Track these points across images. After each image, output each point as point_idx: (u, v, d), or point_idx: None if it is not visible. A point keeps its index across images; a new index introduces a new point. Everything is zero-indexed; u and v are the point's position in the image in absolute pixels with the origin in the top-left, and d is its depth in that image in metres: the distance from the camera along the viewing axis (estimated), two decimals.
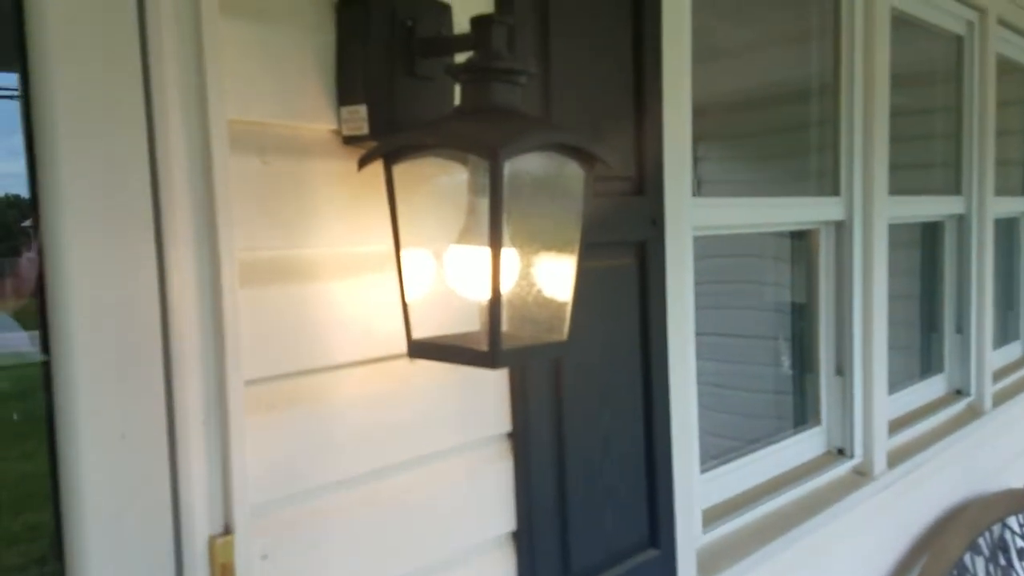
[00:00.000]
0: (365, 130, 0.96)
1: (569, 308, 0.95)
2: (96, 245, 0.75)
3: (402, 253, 0.95)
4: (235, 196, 0.88)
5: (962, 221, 2.85)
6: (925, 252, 2.96)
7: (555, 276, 0.94)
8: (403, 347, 1.01)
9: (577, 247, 0.94)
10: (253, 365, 0.90)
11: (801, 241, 2.28)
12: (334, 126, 0.98)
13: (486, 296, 0.92)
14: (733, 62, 2.25)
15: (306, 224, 0.96)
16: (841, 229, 2.15)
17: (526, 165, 0.86)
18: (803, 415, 2.29)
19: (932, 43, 2.77)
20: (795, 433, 2.16)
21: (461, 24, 1.04)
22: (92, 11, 0.77)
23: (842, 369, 2.19)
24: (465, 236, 0.94)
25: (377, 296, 1.03)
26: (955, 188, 2.83)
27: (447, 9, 1.03)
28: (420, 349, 0.96)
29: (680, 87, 1.48)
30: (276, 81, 0.92)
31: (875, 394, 2.21)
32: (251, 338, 0.89)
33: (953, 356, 2.94)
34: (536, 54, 1.19)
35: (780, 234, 2.42)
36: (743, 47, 2.36)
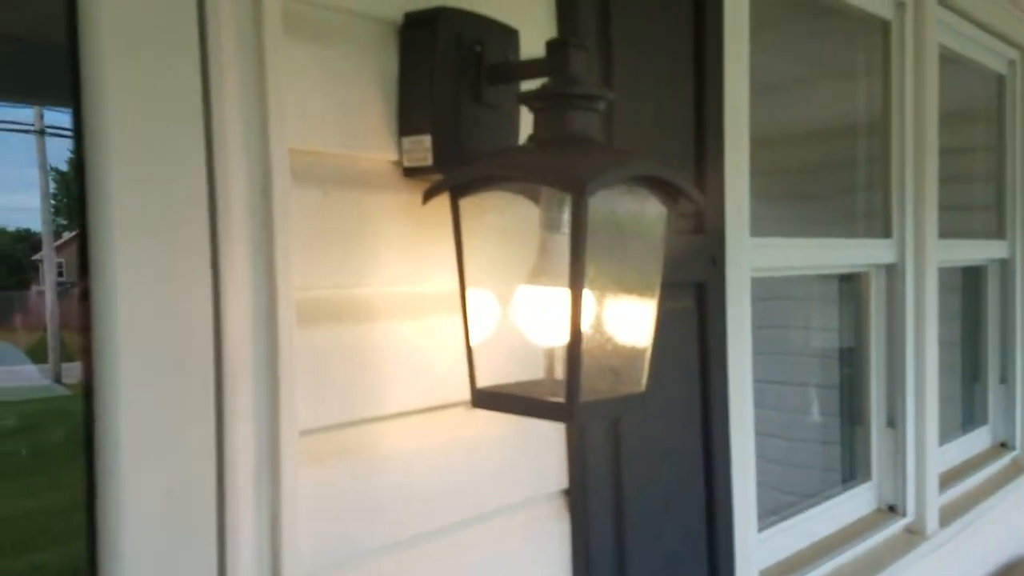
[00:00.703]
0: (429, 161, 0.89)
1: (648, 357, 0.87)
2: (149, 283, 0.68)
3: (468, 293, 0.87)
4: (294, 230, 0.81)
5: (1006, 266, 2.77)
6: (967, 297, 2.87)
7: (634, 321, 0.86)
8: (461, 394, 0.93)
9: (657, 291, 0.86)
10: (306, 414, 0.82)
11: (847, 284, 2.19)
12: (395, 157, 0.92)
13: (559, 342, 0.84)
14: (778, 97, 2.19)
15: (364, 261, 0.89)
16: (892, 272, 2.07)
17: (608, 200, 0.79)
18: (852, 468, 2.18)
19: (972, 81, 2.72)
20: (846, 489, 2.06)
21: (525, 49, 0.97)
22: (152, 33, 0.70)
23: (894, 421, 2.09)
24: (537, 276, 0.86)
25: (438, 339, 0.96)
26: (998, 232, 2.75)
27: (514, 34, 0.96)
28: (485, 399, 0.88)
29: (740, 123, 1.41)
30: (336, 108, 0.86)
31: (927, 448, 2.11)
32: (305, 384, 0.82)
33: (997, 407, 2.83)
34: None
35: (825, 276, 2.34)
36: (790, 82, 2.30)
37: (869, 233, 2.09)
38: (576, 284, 0.76)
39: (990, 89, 2.76)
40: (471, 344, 0.88)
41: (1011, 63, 2.69)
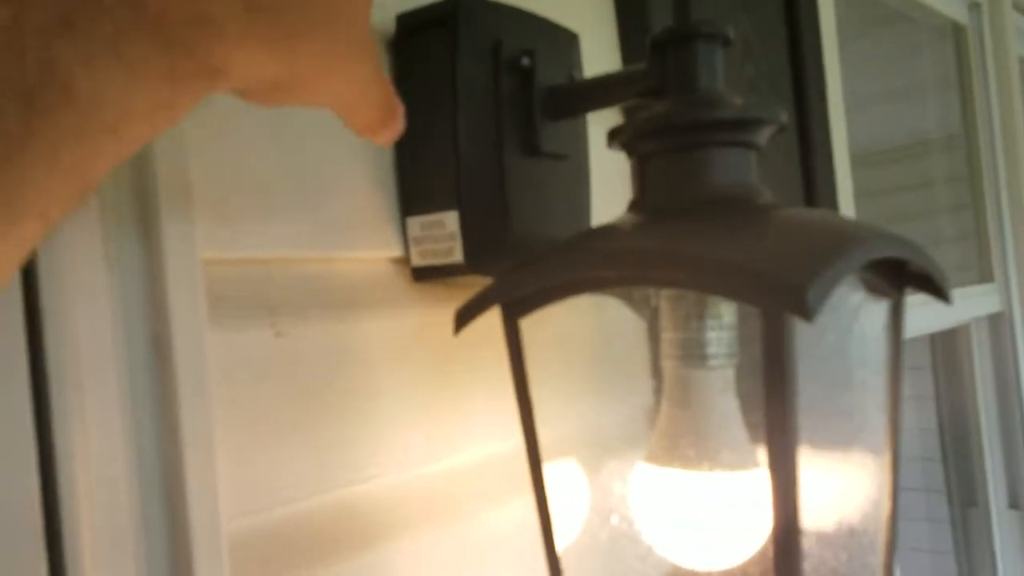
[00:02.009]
0: (457, 256, 0.52)
1: (886, 549, 0.49)
2: None
3: (543, 470, 0.49)
4: (219, 412, 0.43)
5: None
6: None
7: (861, 498, 0.49)
8: None
9: (892, 443, 0.49)
10: None
11: (940, 340, 1.82)
12: (396, 252, 0.54)
13: (729, 564, 0.46)
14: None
15: (353, 440, 0.51)
16: (998, 323, 1.70)
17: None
18: (968, 557, 1.79)
19: None
20: None
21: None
22: None
23: (1018, 502, 1.71)
24: (669, 446, 0.48)
25: (482, 548, 0.57)
26: None
27: (574, 40, 0.60)
28: None
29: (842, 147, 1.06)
30: (288, 178, 0.49)
31: None
32: None
33: None
34: None
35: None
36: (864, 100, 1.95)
37: (965, 278, 1.73)
38: (781, 463, 0.38)
39: None
40: (555, 552, 0.50)
41: None
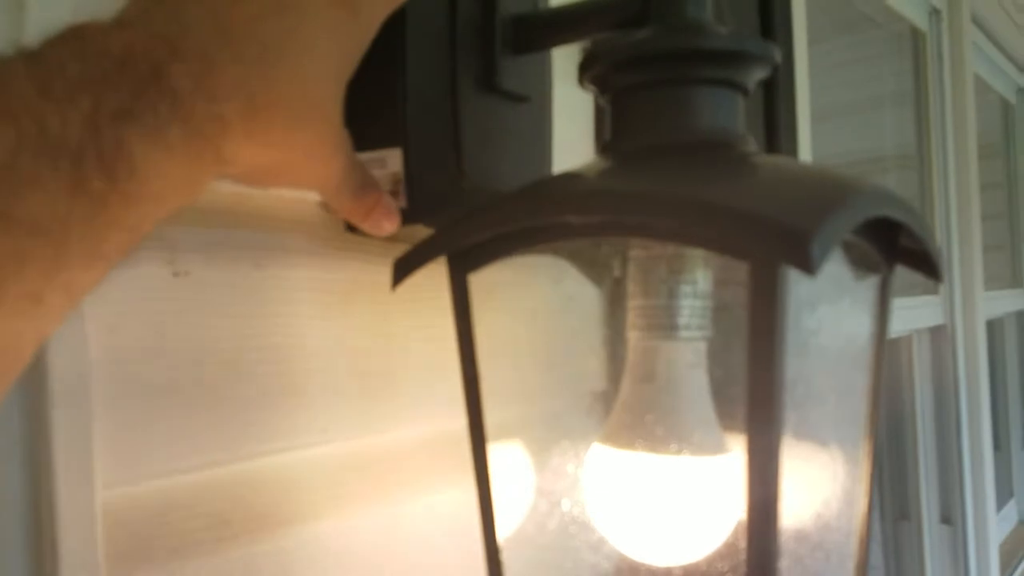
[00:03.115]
0: (400, 201, 0.45)
1: (859, 547, 0.44)
2: None
3: (488, 454, 0.43)
4: (104, 352, 0.36)
5: None
6: None
7: (836, 492, 0.44)
8: None
9: (869, 435, 0.44)
10: None
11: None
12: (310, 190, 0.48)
13: (691, 559, 0.41)
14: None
15: (262, 405, 0.44)
16: (939, 335, 1.70)
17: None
18: (899, 572, 1.78)
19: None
20: None
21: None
22: None
23: (950, 516, 1.71)
24: (630, 426, 0.42)
25: (415, 531, 0.51)
26: (1013, 278, 2.44)
27: None
28: None
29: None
30: None
31: (990, 547, 1.73)
32: None
33: (1023, 479, 2.50)
34: None
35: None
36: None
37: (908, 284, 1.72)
38: (762, 447, 0.32)
39: (988, 118, 2.46)
40: (496, 541, 0.44)
41: (1019, 90, 2.41)
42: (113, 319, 0.37)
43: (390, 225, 0.42)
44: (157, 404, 0.39)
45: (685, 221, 0.33)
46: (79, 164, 0.26)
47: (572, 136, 0.59)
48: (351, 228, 0.49)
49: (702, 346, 0.42)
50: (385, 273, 0.48)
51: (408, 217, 0.46)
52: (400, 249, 0.44)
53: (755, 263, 0.31)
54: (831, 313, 0.41)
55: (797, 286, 0.33)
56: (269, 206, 0.45)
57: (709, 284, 0.41)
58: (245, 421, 0.43)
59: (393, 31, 0.45)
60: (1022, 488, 2.46)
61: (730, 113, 0.40)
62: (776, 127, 0.92)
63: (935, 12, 1.65)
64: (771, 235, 0.31)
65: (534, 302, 0.56)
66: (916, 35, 1.67)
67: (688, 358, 0.41)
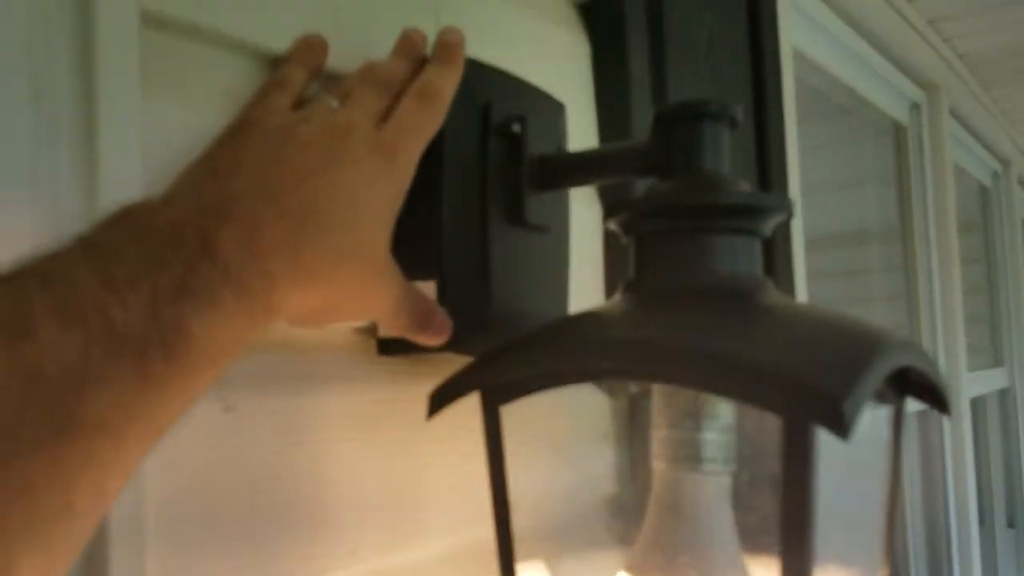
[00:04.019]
0: (439, 341, 0.47)
1: None
2: None
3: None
4: (157, 486, 0.37)
5: (1007, 396, 2.49)
6: None
7: None
8: None
9: (887, 561, 0.45)
10: None
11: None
12: (361, 321, 0.50)
13: None
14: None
15: (298, 531, 0.45)
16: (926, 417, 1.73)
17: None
18: None
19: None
20: None
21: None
22: None
23: None
24: (656, 558, 0.44)
25: None
26: (994, 356, 2.48)
27: (562, 110, 0.57)
28: None
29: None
30: None
31: None
32: None
33: (1007, 555, 2.50)
34: None
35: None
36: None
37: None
38: None
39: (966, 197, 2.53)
40: None
41: (995, 174, 2.49)
42: (168, 458, 0.38)
43: (445, 336, 0.45)
44: (202, 535, 0.40)
45: (719, 376, 0.36)
46: (143, 353, 0.28)
47: (583, 263, 0.62)
48: (384, 350, 0.51)
49: (727, 480, 0.43)
50: (413, 393, 0.49)
51: (440, 345, 0.48)
52: (425, 374, 0.46)
53: (788, 420, 0.34)
54: (851, 448, 0.44)
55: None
56: (310, 337, 0.47)
57: (732, 417, 0.43)
58: (276, 549, 0.44)
59: (430, 172, 0.47)
60: (1006, 566, 2.47)
61: (749, 259, 0.43)
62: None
63: (915, 107, 1.72)
64: (804, 395, 0.33)
65: (545, 409, 0.58)
66: (897, 127, 1.74)
67: (713, 491, 0.43)
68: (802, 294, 1.04)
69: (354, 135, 0.39)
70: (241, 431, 0.42)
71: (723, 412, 0.43)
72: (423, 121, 0.42)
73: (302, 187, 0.36)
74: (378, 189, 0.39)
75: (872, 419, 0.47)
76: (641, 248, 0.44)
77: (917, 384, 0.45)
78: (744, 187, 0.44)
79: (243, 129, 0.39)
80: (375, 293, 0.40)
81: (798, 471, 0.33)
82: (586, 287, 0.66)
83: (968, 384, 1.83)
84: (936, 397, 0.45)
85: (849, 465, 0.46)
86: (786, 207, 0.43)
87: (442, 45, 0.44)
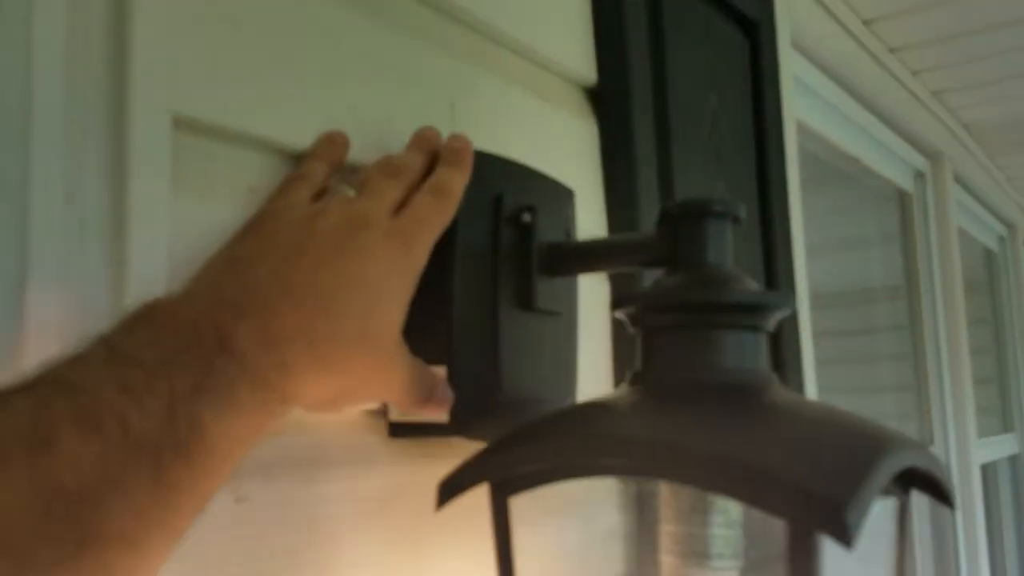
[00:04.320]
0: (442, 416, 0.48)
1: None
2: None
3: None
4: None
5: (1018, 463, 2.46)
6: None
7: None
8: None
9: None
10: None
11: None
12: (373, 405, 0.51)
13: None
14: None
15: None
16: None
17: None
18: None
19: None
20: None
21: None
22: None
23: None
24: None
25: None
26: (1004, 421, 2.46)
27: (571, 197, 0.59)
28: None
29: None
30: None
31: None
32: None
33: None
34: None
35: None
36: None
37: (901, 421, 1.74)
38: None
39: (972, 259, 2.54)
40: None
41: (1001, 239, 2.51)
42: (182, 552, 0.39)
43: (446, 408, 0.46)
44: None
45: (725, 478, 0.36)
46: (158, 458, 0.28)
47: (593, 336, 0.63)
48: (395, 433, 0.52)
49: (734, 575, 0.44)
50: (421, 478, 0.50)
51: (449, 430, 0.49)
52: (435, 457, 0.47)
53: (792, 525, 0.34)
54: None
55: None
56: (321, 420, 0.48)
57: (740, 513, 0.44)
58: None
59: (443, 260, 0.49)
60: None
61: (754, 354, 0.44)
62: (775, 263, 0.96)
63: (919, 175, 1.74)
64: (808, 502, 0.33)
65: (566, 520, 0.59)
66: (902, 194, 1.76)
67: None
68: (811, 381, 1.04)
69: (370, 225, 0.40)
70: (254, 521, 0.43)
71: (731, 508, 0.44)
72: (436, 215, 0.43)
73: (318, 276, 0.37)
74: (392, 277, 0.40)
75: (883, 509, 0.48)
76: (648, 341, 0.45)
77: (921, 478, 0.46)
78: (749, 283, 0.45)
79: (262, 221, 0.41)
80: (387, 378, 0.41)
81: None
82: (595, 367, 0.67)
83: (978, 450, 1.82)
84: (940, 492, 0.45)
85: (859, 555, 0.46)
86: (789, 304, 0.44)
87: (451, 150, 0.46)
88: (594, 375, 0.66)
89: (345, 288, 0.38)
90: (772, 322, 0.45)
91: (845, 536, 0.32)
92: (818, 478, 0.34)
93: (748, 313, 0.44)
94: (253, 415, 0.32)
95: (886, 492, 0.46)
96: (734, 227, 0.47)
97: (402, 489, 0.51)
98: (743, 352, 0.44)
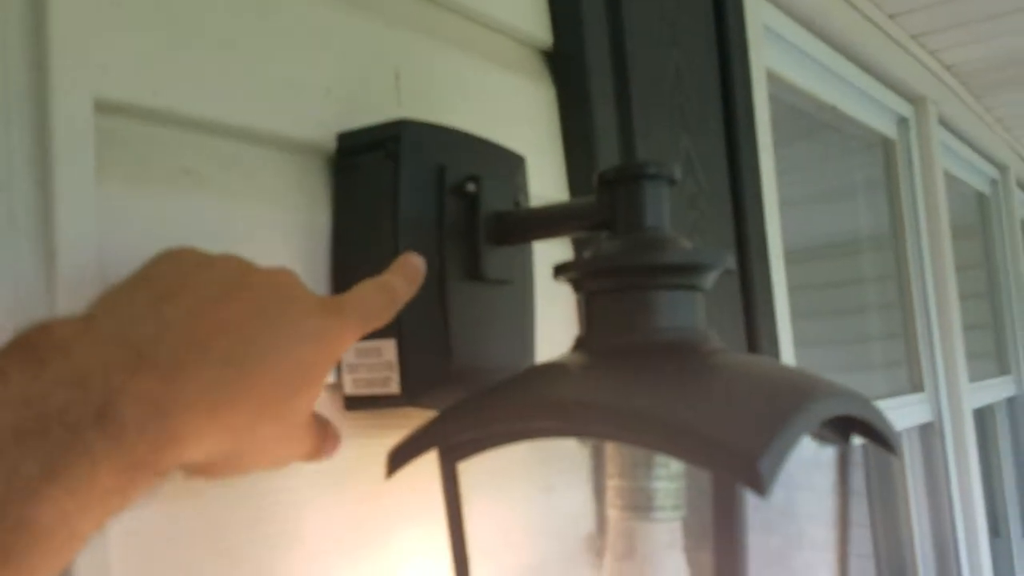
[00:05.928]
0: (393, 387, 0.49)
1: None
2: None
3: None
4: (122, 551, 0.39)
5: (1015, 404, 2.48)
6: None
7: None
8: None
9: None
10: None
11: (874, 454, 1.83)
12: (328, 378, 0.51)
13: None
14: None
15: None
16: (928, 433, 1.73)
17: None
18: None
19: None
20: None
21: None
22: None
23: None
24: None
25: None
26: (999, 365, 2.47)
27: (520, 163, 0.59)
28: None
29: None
30: None
31: None
32: None
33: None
34: None
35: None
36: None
37: (892, 386, 1.75)
38: None
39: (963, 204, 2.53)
40: None
41: (993, 182, 2.49)
42: (135, 526, 0.40)
43: (335, 449, 0.42)
44: None
45: (650, 437, 0.37)
46: None
47: (555, 315, 0.64)
48: (350, 406, 0.52)
49: (677, 526, 0.45)
50: (378, 449, 0.51)
51: (401, 401, 0.50)
52: (394, 428, 0.47)
53: (715, 478, 0.35)
54: (795, 491, 0.45)
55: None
56: None
57: (681, 466, 0.45)
58: None
59: (385, 231, 0.49)
60: None
61: (690, 313, 0.45)
62: (744, 218, 0.96)
63: (903, 121, 1.73)
64: (726, 456, 0.34)
65: (515, 459, 0.60)
66: (886, 141, 1.75)
67: (664, 538, 0.45)
68: (786, 335, 1.04)
69: (309, 290, 0.38)
70: (210, 495, 0.44)
71: (671, 462, 0.45)
72: (375, 303, 0.41)
73: (243, 332, 0.33)
74: (318, 346, 0.36)
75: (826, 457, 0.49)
76: (589, 305, 0.46)
77: (864, 426, 0.46)
78: (685, 244, 0.45)
79: (196, 248, 0.37)
80: (288, 449, 0.38)
81: (725, 526, 0.35)
82: (562, 333, 0.67)
83: (971, 394, 1.83)
84: (881, 438, 0.46)
85: (799, 511, 0.48)
86: (722, 262, 0.45)
87: (404, 265, 0.44)
88: (562, 341, 0.67)
89: (272, 351, 0.34)
90: (708, 280, 0.45)
91: (759, 485, 0.33)
92: (736, 431, 0.35)
93: (682, 273, 0.44)
94: (110, 499, 0.28)
95: (824, 441, 0.47)
96: (670, 187, 0.47)
97: (360, 460, 0.52)
98: (678, 312, 0.44)
